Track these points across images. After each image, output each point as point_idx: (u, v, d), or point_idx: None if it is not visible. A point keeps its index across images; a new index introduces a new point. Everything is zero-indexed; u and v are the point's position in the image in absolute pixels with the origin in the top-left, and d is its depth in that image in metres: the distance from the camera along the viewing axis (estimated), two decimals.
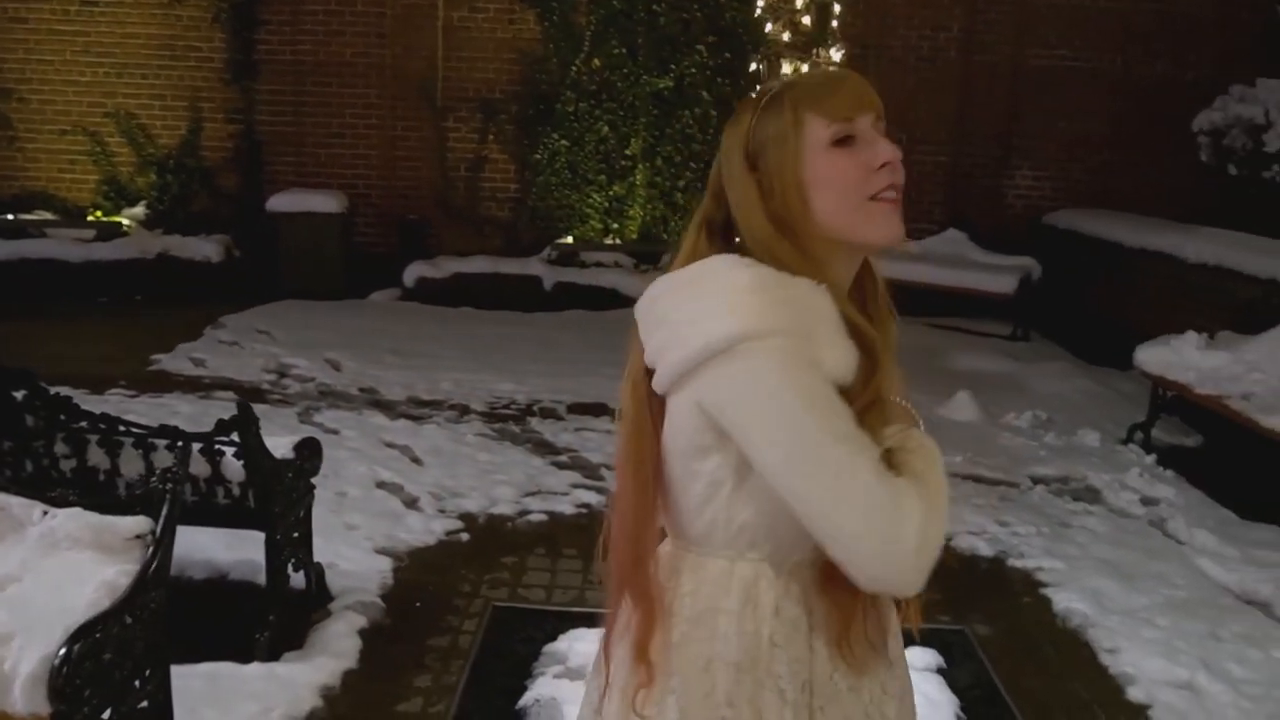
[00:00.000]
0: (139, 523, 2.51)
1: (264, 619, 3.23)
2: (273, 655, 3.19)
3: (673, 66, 9.63)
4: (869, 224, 1.28)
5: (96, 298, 8.73)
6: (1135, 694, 3.22)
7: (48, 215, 9.79)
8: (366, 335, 7.70)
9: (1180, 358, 5.52)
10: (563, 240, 9.81)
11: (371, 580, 3.77)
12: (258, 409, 5.62)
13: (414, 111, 9.99)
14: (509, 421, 5.81)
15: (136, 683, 2.38)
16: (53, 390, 3.13)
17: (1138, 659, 3.39)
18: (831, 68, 1.18)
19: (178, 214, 9.90)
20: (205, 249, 9.46)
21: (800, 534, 1.22)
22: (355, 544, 4.02)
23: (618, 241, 9.88)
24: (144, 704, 2.41)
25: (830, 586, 1.28)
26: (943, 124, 9.69)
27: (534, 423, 5.81)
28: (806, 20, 2.20)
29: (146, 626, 2.38)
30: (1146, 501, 4.87)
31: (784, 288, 1.23)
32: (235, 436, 3.02)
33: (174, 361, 6.70)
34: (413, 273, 9.46)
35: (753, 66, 2.32)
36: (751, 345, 1.18)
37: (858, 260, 1.34)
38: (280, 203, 9.40)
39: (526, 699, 3.09)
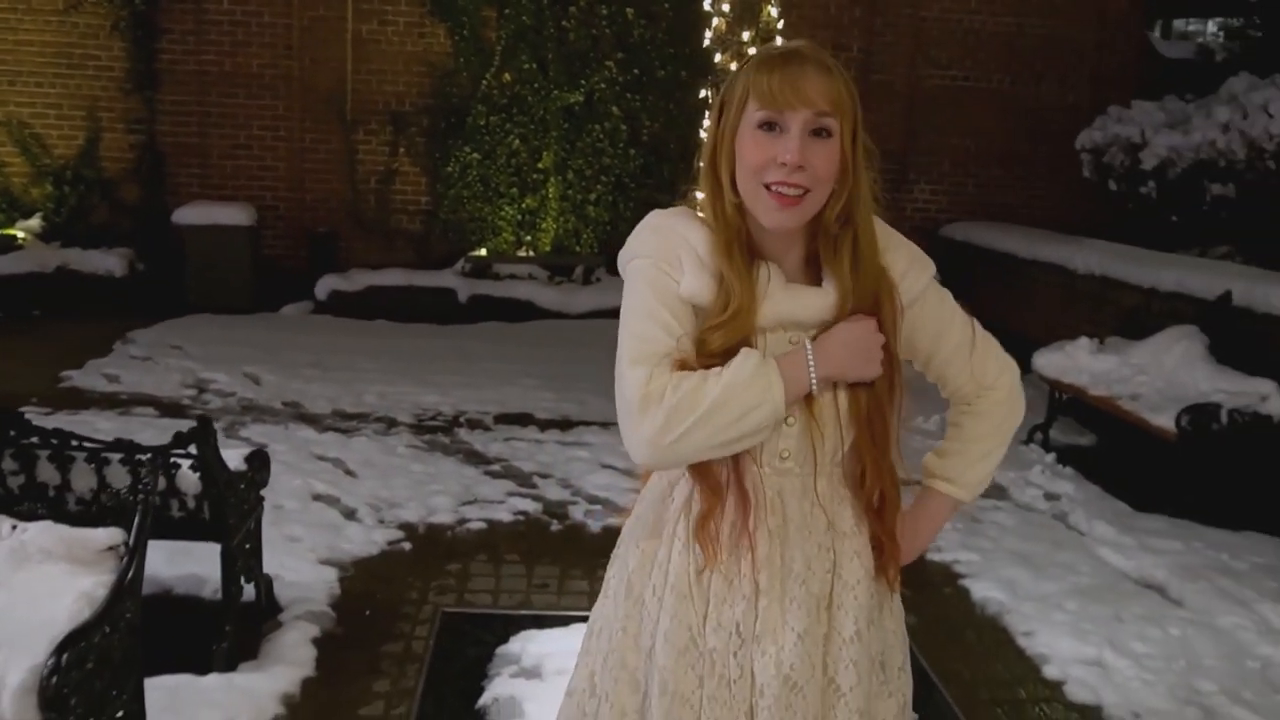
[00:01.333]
0: (112, 534, 2.54)
1: (220, 630, 3.25)
2: (230, 666, 3.22)
3: (583, 81, 9.79)
4: (757, 205, 1.46)
5: None
6: (1051, 672, 3.48)
7: None
8: (283, 349, 7.64)
9: (1074, 362, 5.89)
10: (476, 253, 9.86)
11: (319, 590, 3.81)
12: (179, 424, 5.62)
13: (323, 124, 9.93)
14: (438, 433, 5.86)
15: (114, 692, 2.41)
16: None
17: (1051, 640, 3.66)
18: (792, 44, 1.32)
19: (76, 226, 9.63)
20: (107, 262, 9.22)
21: None
22: (299, 555, 4.05)
23: (531, 254, 9.98)
24: (120, 713, 2.44)
25: (699, 479, 1.51)
26: None
27: (462, 433, 5.88)
28: (753, 50, 2.38)
29: (123, 636, 2.42)
30: (1049, 497, 5.20)
31: (668, 225, 1.52)
32: (193, 449, 3.05)
33: (86, 378, 6.55)
34: (325, 286, 9.39)
35: (702, 93, 2.49)
36: (628, 263, 1.54)
37: (780, 230, 1.49)
38: (187, 215, 9.23)
39: (485, 699, 3.18)
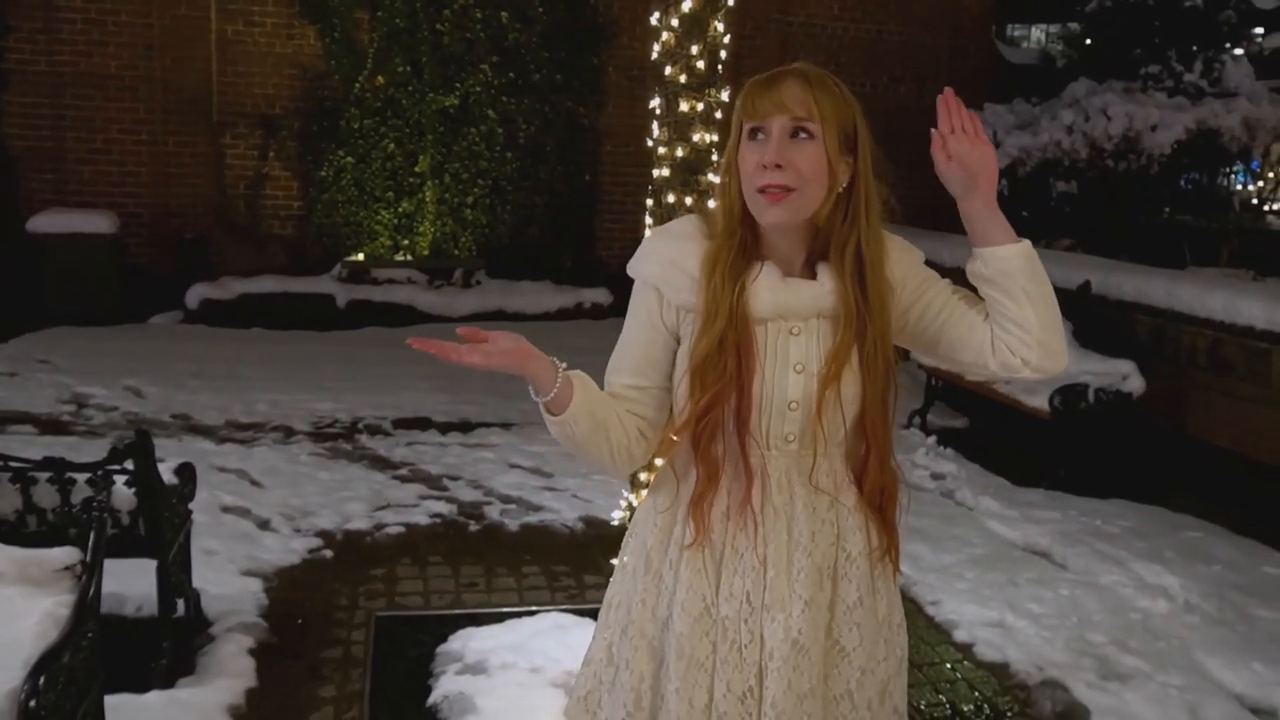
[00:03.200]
0: (68, 553, 2.49)
1: (157, 646, 3.20)
2: (169, 683, 3.17)
3: (458, 85, 9.77)
4: (755, 206, 1.61)
5: None
6: (960, 635, 3.75)
7: None
8: (160, 359, 7.39)
9: None
10: (353, 257, 9.73)
11: (246, 602, 3.76)
12: (64, 441, 5.41)
13: (188, 127, 9.61)
14: (338, 440, 5.81)
15: (81, 710, 2.37)
16: None
17: (956, 607, 3.94)
18: (785, 67, 1.51)
19: None
20: None
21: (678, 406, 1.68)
22: (218, 568, 3.98)
23: (409, 258, 9.90)
24: None
25: (697, 459, 1.66)
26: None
27: (364, 439, 5.84)
28: (701, 65, 2.52)
29: (86, 655, 2.39)
30: (935, 476, 5.54)
31: (664, 242, 1.70)
32: (129, 464, 2.99)
33: None
34: (196, 294, 9.10)
35: (652, 103, 2.58)
36: (633, 276, 1.73)
37: (775, 226, 1.63)
38: (43, 223, 8.79)
39: (434, 697, 3.23)
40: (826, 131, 1.59)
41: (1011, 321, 1.66)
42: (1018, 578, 4.23)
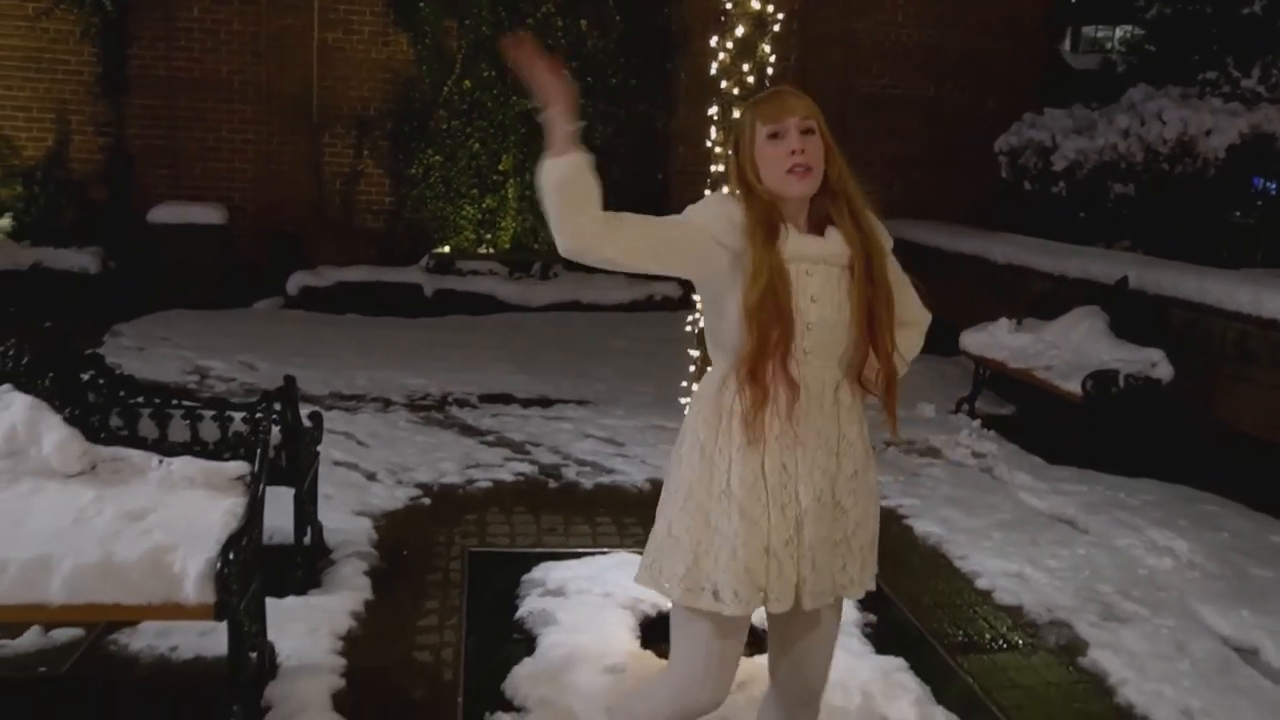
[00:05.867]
0: (240, 467, 3.14)
1: (293, 562, 3.84)
2: (302, 591, 3.80)
3: None
4: (785, 186, 2.19)
5: None
6: (981, 584, 4.23)
7: None
8: (265, 340, 8.12)
9: (995, 340, 6.70)
10: (439, 250, 10.41)
11: (359, 536, 4.39)
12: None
13: (289, 127, 10.39)
14: (431, 410, 6.45)
15: (249, 591, 2.99)
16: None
17: (981, 561, 4.41)
18: (783, 88, 2.21)
19: (46, 226, 9.92)
20: (81, 260, 9.54)
21: (729, 342, 2.18)
22: (335, 509, 4.62)
23: (491, 250, 10.57)
24: (254, 602, 3.03)
25: (749, 381, 2.17)
26: None
27: (453, 410, 6.47)
28: (751, 79, 3.06)
29: (254, 543, 3.00)
30: (976, 455, 5.99)
31: (715, 203, 2.28)
32: (277, 405, 3.62)
33: None
34: (296, 282, 9.86)
35: (711, 110, 3.10)
36: (687, 210, 2.26)
37: (798, 200, 2.19)
38: (161, 214, 9.63)
39: (521, 612, 3.81)
40: (820, 127, 2.21)
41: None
42: (1040, 539, 4.69)
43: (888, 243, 2.31)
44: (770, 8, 3.08)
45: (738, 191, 2.26)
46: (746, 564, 2.17)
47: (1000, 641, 3.80)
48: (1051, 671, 3.60)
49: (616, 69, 10.51)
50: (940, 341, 8.14)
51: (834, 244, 2.21)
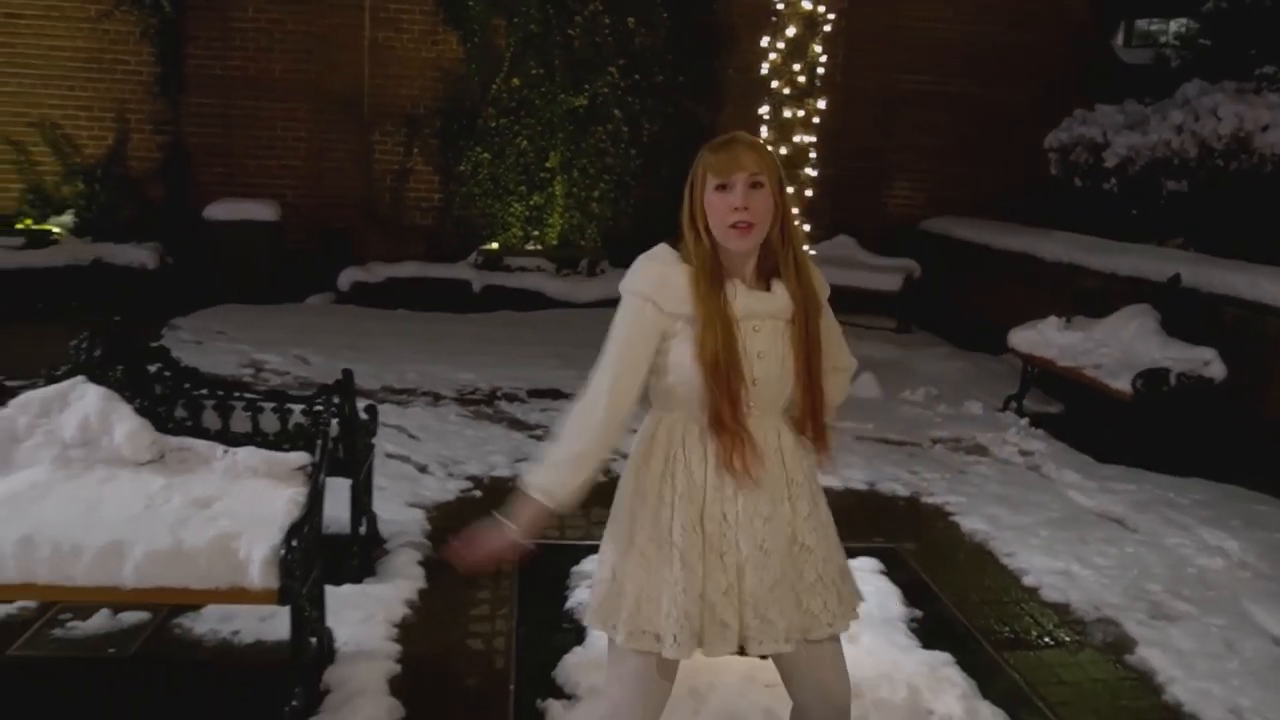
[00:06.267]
0: (301, 457, 3.24)
1: (349, 551, 3.94)
2: (358, 579, 3.91)
3: (587, 86, 10.49)
4: (727, 239, 2.18)
5: (31, 304, 8.97)
6: (1028, 580, 4.23)
7: None
8: (318, 333, 8.28)
9: (1044, 338, 6.67)
10: (487, 246, 10.53)
11: (412, 526, 4.49)
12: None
13: (340, 125, 10.55)
14: (480, 404, 6.55)
15: (310, 578, 3.09)
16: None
17: (1028, 558, 4.42)
18: (729, 135, 2.24)
19: (105, 222, 10.15)
20: (139, 256, 9.75)
21: (674, 397, 2.23)
22: (388, 500, 4.72)
23: (539, 247, 10.67)
24: (315, 588, 3.13)
25: (716, 429, 2.20)
26: (828, 140, 10.82)
27: (502, 405, 6.57)
28: (801, 79, 3.09)
29: (315, 531, 3.10)
30: (1024, 453, 5.98)
31: (654, 265, 2.23)
32: (335, 398, 3.72)
33: None
34: (346, 277, 10.03)
35: (761, 109, 3.14)
36: (624, 292, 2.23)
37: (742, 251, 2.19)
38: (217, 211, 9.83)
39: (570, 602, 3.89)
40: (771, 181, 2.20)
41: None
42: (1088, 536, 4.67)
43: (825, 292, 2.35)
44: (821, 8, 3.11)
45: (686, 236, 2.25)
46: (686, 609, 2.20)
47: (1047, 638, 3.81)
48: (1098, 668, 3.61)
49: (663, 66, 10.56)
50: (988, 339, 8.19)
51: (780, 299, 2.23)
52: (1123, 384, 5.77)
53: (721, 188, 2.17)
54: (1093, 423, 6.43)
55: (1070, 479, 5.45)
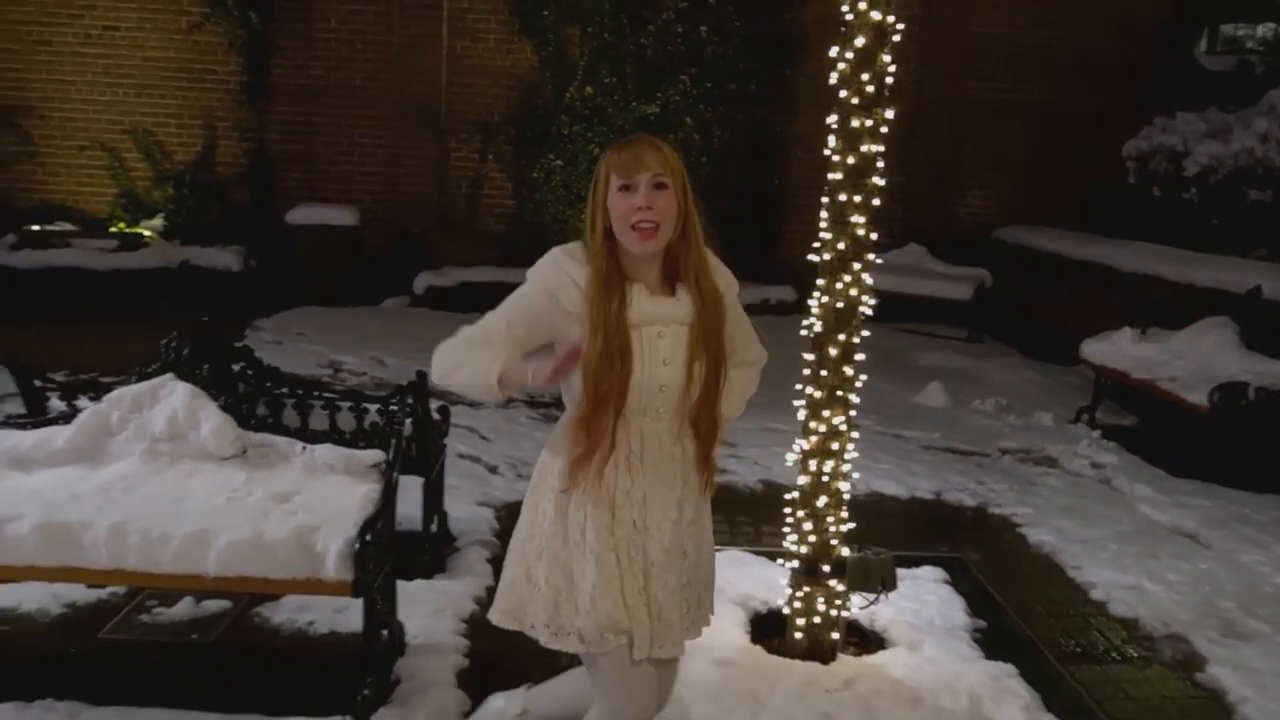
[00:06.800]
0: (375, 454, 3.36)
1: (422, 547, 4.07)
2: (429, 575, 4.02)
3: (659, 94, 10.56)
4: (628, 240, 2.18)
5: (121, 304, 9.32)
6: (1096, 594, 4.19)
7: (69, 226, 10.35)
8: (393, 336, 8.47)
9: (1118, 349, 6.56)
10: None
11: (481, 525, 4.60)
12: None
13: (418, 133, 10.78)
14: (549, 407, 6.65)
15: (382, 572, 3.20)
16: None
17: (1096, 572, 4.37)
18: (632, 136, 2.21)
19: (193, 226, 10.51)
20: (225, 258, 10.08)
21: (568, 394, 2.26)
22: (459, 499, 4.84)
23: None
24: (387, 582, 3.24)
25: (582, 433, 2.23)
26: (899, 149, 10.76)
27: None
28: (870, 89, 3.11)
29: (388, 526, 3.21)
30: (1095, 465, 5.89)
31: (565, 260, 2.22)
32: (409, 399, 3.84)
33: None
34: (422, 281, 10.24)
35: (830, 119, 3.15)
36: (528, 275, 2.28)
37: (647, 257, 2.20)
38: (298, 215, 10.12)
39: None
40: (675, 182, 2.21)
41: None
42: (1159, 551, 4.60)
43: (732, 289, 2.35)
44: (890, 18, 3.14)
45: (586, 238, 2.26)
46: (608, 612, 2.24)
47: (1114, 653, 3.77)
48: (1166, 685, 3.56)
49: (735, 74, 10.59)
50: (1061, 350, 8.06)
51: (683, 304, 2.23)
52: (1199, 397, 5.66)
53: (625, 188, 2.16)
54: (1167, 436, 6.31)
55: (1142, 493, 5.36)
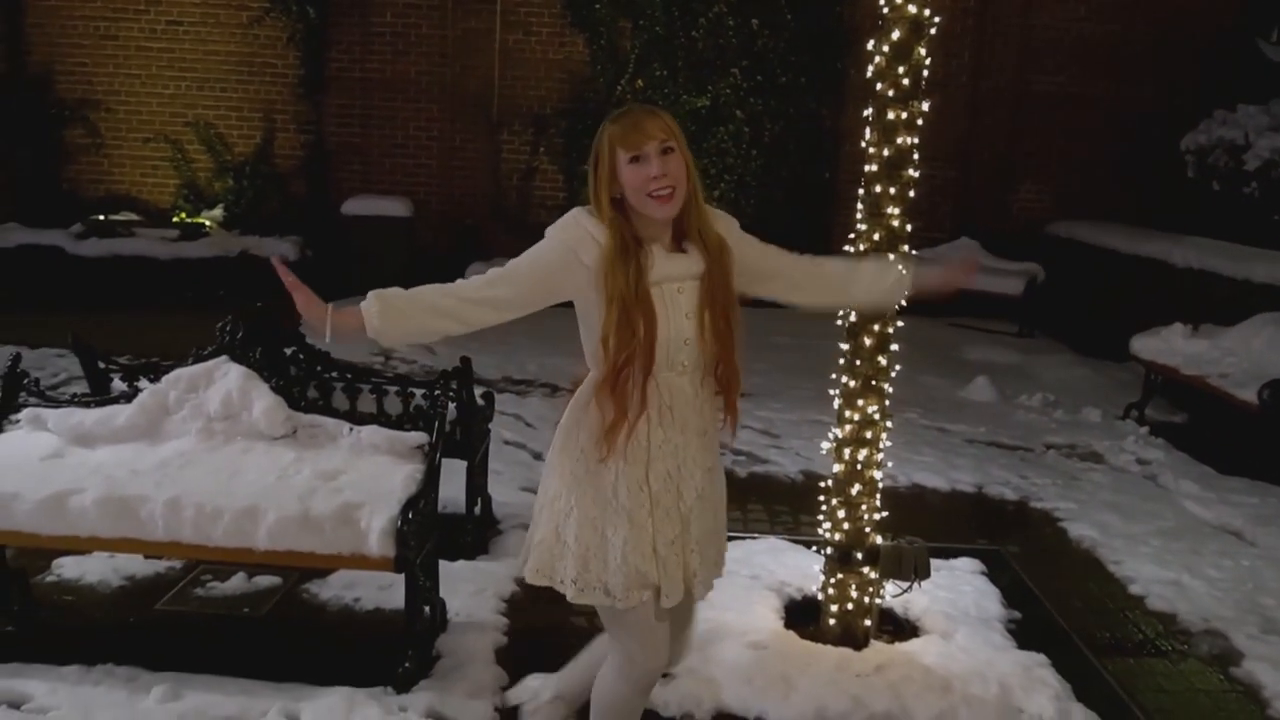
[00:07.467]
0: (419, 436, 3.46)
1: (465, 529, 4.17)
2: (471, 556, 4.13)
3: (709, 87, 10.60)
4: (646, 207, 2.23)
5: (183, 292, 9.59)
6: (1135, 589, 4.18)
7: (133, 216, 10.66)
8: None
9: (1168, 345, 6.49)
10: None
11: (524, 510, 4.66)
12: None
13: (471, 126, 10.93)
14: None
15: (424, 550, 3.30)
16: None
17: (1136, 567, 4.35)
18: (626, 108, 2.23)
19: (252, 216, 10.77)
20: (282, 248, 10.29)
21: (591, 356, 2.32)
22: (503, 484, 4.95)
23: None
24: (429, 560, 3.35)
25: (608, 399, 2.29)
26: (953, 142, 10.69)
27: None
28: (906, 82, 3.15)
29: (430, 505, 3.31)
30: (1141, 462, 5.84)
31: (570, 222, 2.30)
32: (453, 384, 3.94)
33: None
34: (473, 272, 10.32)
35: (866, 111, 3.19)
36: (548, 233, 2.33)
37: (665, 218, 2.25)
38: (354, 207, 10.32)
39: None
40: (680, 145, 2.25)
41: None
42: (1202, 548, 4.57)
43: (733, 225, 2.39)
44: (926, 11, 3.16)
45: (597, 212, 2.29)
46: (637, 566, 2.31)
47: (1149, 647, 3.76)
48: (1202, 679, 3.55)
49: (786, 67, 10.59)
50: (1113, 346, 7.96)
51: (694, 259, 2.29)
52: (1249, 394, 5.58)
53: (635, 159, 2.21)
54: (1216, 433, 6.23)
55: (1188, 489, 5.31)
